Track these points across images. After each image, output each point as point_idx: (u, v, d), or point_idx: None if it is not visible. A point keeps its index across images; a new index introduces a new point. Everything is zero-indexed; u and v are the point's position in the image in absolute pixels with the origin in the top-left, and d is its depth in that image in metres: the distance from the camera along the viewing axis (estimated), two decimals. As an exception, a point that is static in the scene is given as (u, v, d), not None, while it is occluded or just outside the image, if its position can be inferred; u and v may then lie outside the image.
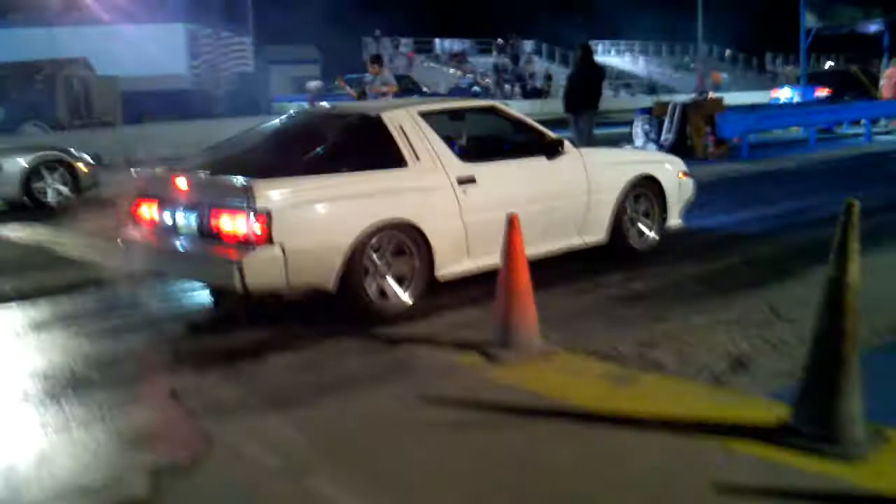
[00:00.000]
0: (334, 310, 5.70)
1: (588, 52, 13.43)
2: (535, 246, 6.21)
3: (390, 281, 5.74)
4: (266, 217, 5.15)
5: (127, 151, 16.50)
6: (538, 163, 6.69)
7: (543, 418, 4.07)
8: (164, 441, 4.02)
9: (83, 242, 9.25)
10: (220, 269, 5.29)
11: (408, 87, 25.61)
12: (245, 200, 5.18)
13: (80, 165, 12.26)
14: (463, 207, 6.06)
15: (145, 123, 23.78)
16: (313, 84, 20.16)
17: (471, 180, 6.14)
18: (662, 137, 15.81)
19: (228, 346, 5.38)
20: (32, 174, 11.87)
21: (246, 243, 5.20)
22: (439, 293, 6.09)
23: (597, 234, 7.04)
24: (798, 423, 3.66)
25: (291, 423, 4.08)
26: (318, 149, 5.93)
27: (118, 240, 6.31)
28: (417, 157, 5.98)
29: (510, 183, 6.41)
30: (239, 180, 5.31)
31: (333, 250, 5.41)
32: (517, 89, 47.38)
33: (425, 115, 6.28)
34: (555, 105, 38.43)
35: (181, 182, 5.66)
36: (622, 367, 4.73)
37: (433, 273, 5.92)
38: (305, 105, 15.58)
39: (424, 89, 30.53)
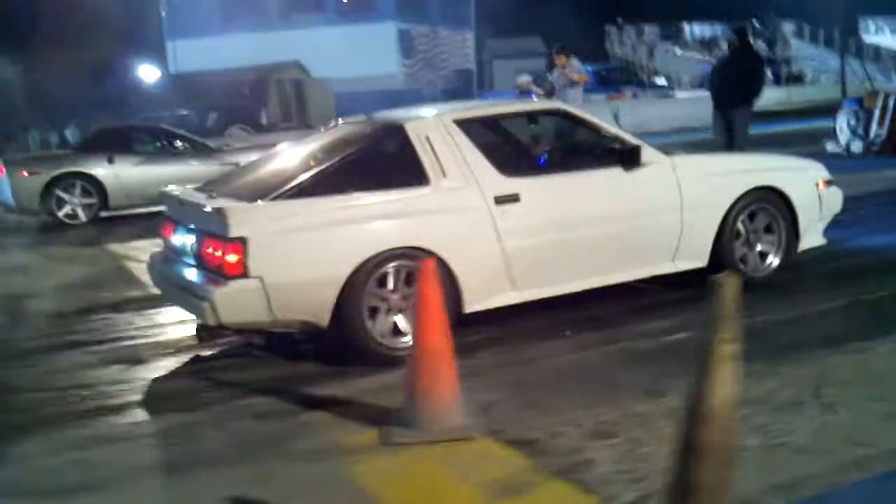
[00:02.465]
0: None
1: (745, 38, 11.54)
2: (607, 274, 5.59)
3: (398, 319, 4.95)
4: (241, 246, 4.57)
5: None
6: (611, 175, 5.62)
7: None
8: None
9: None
10: (194, 301, 4.78)
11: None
12: (221, 227, 4.63)
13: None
14: (501, 231, 5.16)
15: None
16: (524, 79, 19.30)
17: (513, 199, 5.22)
18: (872, 133, 13.44)
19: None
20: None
21: (221, 275, 4.66)
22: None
23: (694, 258, 5.84)
24: None
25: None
26: (328, 166, 5.18)
27: (147, 259, 5.94)
28: (444, 173, 5.13)
29: (566, 200, 5.45)
30: (215, 205, 4.81)
31: (325, 284, 4.72)
32: (769, 75, 44.20)
33: (462, 123, 5.40)
34: (811, 92, 35.02)
35: (186, 205, 5.24)
36: (533, 468, 3.53)
37: (460, 308, 5.08)
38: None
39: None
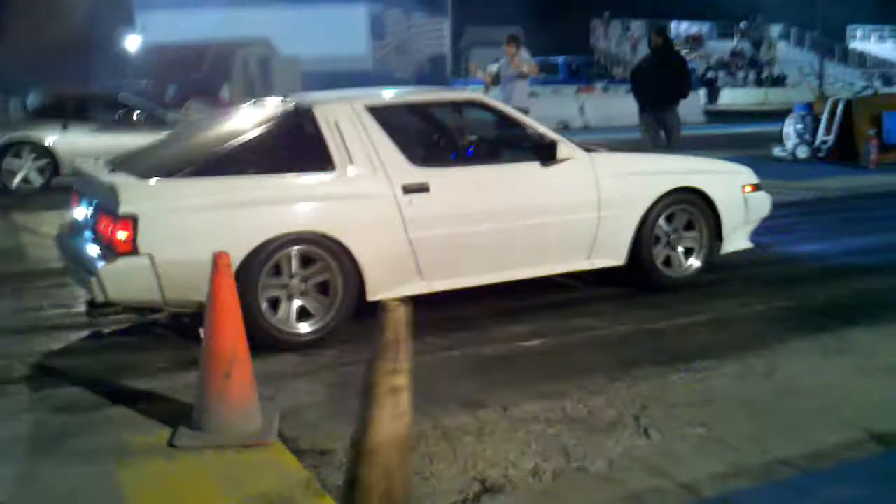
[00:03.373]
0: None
1: (668, 39, 11.36)
2: (518, 268, 5.50)
3: (296, 304, 4.89)
4: (131, 223, 4.52)
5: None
6: (526, 169, 5.56)
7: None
8: None
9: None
10: (84, 275, 4.73)
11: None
12: (113, 203, 4.57)
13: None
14: (408, 220, 5.08)
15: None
16: (494, 66, 18.97)
17: (422, 189, 5.13)
18: (819, 139, 13.26)
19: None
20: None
21: (111, 251, 4.60)
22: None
23: (611, 256, 5.77)
24: None
25: None
26: (232, 146, 5.07)
27: (55, 233, 5.81)
28: (350, 160, 5.05)
29: (478, 192, 5.36)
30: (109, 180, 4.78)
31: None
32: (751, 76, 44.13)
33: (375, 110, 5.31)
34: (791, 94, 34.94)
35: (87, 179, 5.20)
36: (307, 482, 3.31)
37: (364, 296, 5.03)
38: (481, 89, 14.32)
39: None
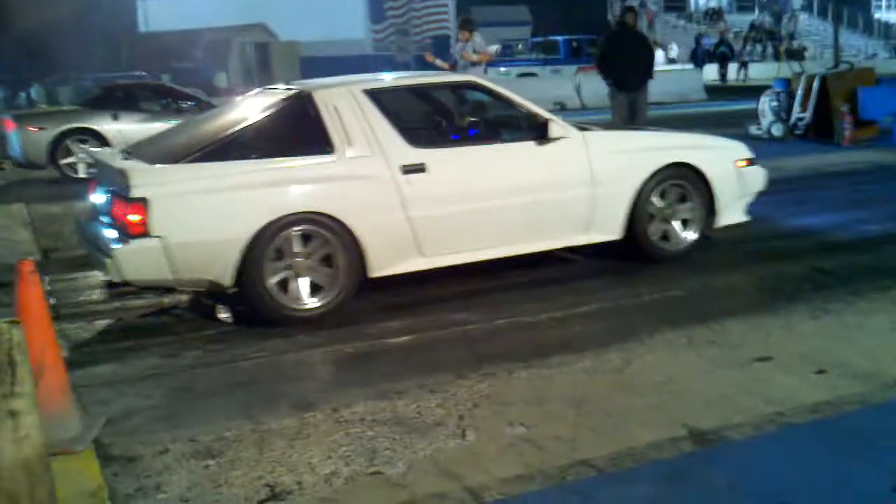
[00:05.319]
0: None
1: (634, 19, 11.17)
2: (516, 244, 5.72)
3: (302, 282, 5.14)
4: (143, 206, 4.77)
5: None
6: (521, 148, 5.79)
7: None
8: None
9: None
10: (101, 257, 5.00)
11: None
12: (125, 188, 4.82)
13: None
14: (407, 200, 5.31)
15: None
16: (492, 48, 18.91)
17: (419, 169, 5.36)
18: (794, 117, 12.99)
19: None
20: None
21: (125, 233, 4.85)
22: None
23: (607, 231, 5.98)
24: None
25: None
26: (236, 131, 5.36)
27: (74, 219, 6.14)
28: (350, 142, 5.29)
29: (474, 171, 5.61)
30: (121, 166, 5.05)
31: (227, 245, 4.91)
32: (769, 50, 43.36)
33: (373, 93, 5.57)
34: (809, 67, 34.28)
35: (102, 166, 5.47)
36: (97, 491, 3.30)
37: (365, 273, 5.30)
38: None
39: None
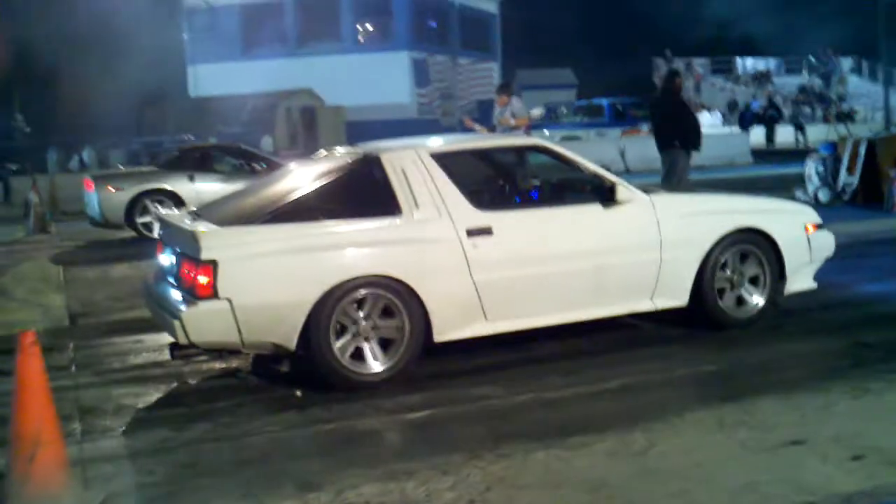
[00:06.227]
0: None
1: (673, 83, 11.00)
2: (581, 309, 5.63)
3: (367, 346, 5.08)
4: (211, 268, 4.75)
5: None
6: (587, 211, 5.71)
7: None
8: None
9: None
10: (168, 318, 4.95)
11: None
12: (194, 249, 4.82)
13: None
14: (472, 263, 5.26)
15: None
16: (536, 111, 18.94)
17: (485, 231, 5.31)
18: (841, 182, 12.69)
19: None
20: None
21: (193, 295, 4.84)
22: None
23: (673, 297, 5.84)
24: None
25: None
26: (304, 194, 5.35)
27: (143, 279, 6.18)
28: (417, 205, 5.26)
29: (540, 234, 5.53)
30: (191, 228, 5.04)
31: (293, 307, 4.87)
32: (819, 112, 42.92)
33: (439, 157, 5.55)
34: (860, 130, 33.89)
35: (170, 227, 5.48)
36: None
37: (431, 337, 5.23)
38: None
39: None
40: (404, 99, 32.28)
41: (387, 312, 5.09)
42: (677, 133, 10.56)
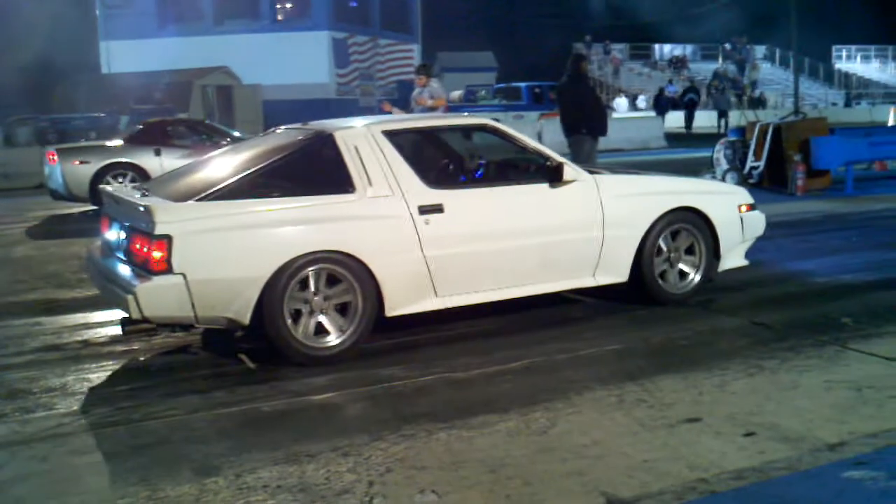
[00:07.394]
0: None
1: (580, 67, 11.08)
2: (528, 285, 5.79)
3: (323, 319, 5.16)
4: (166, 243, 4.75)
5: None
6: (536, 190, 5.82)
7: None
8: None
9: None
10: (121, 294, 4.88)
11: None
12: (148, 225, 4.78)
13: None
14: (424, 239, 5.36)
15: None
16: (455, 94, 18.86)
17: (436, 209, 5.41)
18: (749, 166, 13.03)
19: None
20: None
21: (146, 270, 4.83)
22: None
23: (614, 274, 6.07)
24: None
25: None
26: (257, 170, 5.33)
27: (84, 255, 6.09)
28: (370, 182, 5.32)
29: (489, 212, 5.65)
30: (144, 203, 4.98)
31: (247, 282, 4.91)
32: (732, 98, 43.95)
33: (392, 135, 5.61)
34: (770, 116, 34.79)
35: (120, 203, 5.39)
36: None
37: (382, 311, 5.33)
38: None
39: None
40: (323, 79, 31.91)
41: (340, 287, 5.16)
42: (584, 119, 10.63)
